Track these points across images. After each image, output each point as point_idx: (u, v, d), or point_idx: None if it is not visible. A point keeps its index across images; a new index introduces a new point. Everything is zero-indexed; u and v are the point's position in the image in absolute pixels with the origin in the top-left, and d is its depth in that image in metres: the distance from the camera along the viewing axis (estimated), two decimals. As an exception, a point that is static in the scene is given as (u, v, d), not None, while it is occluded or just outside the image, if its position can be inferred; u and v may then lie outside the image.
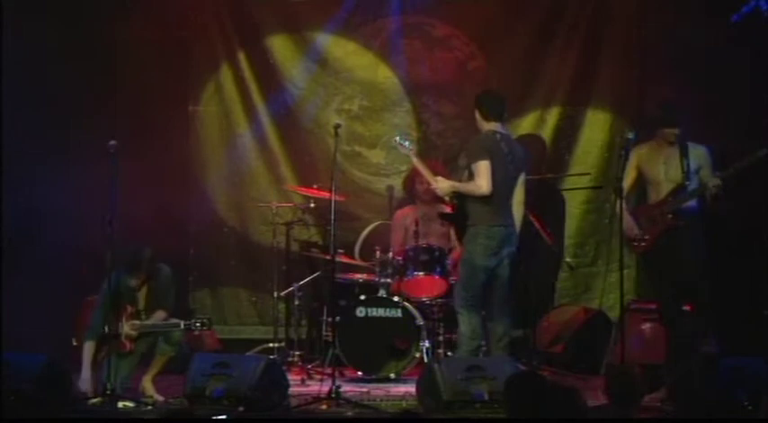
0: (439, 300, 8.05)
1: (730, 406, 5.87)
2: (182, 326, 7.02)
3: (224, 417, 6.01)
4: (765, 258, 7.78)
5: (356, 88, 9.27)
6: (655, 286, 7.47)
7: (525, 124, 9.06)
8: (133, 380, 7.13)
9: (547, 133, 9.12)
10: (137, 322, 7.02)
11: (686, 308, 7.35)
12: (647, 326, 7.77)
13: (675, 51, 8.47)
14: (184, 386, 6.47)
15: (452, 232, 8.52)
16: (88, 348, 7.01)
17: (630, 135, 6.97)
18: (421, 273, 8.02)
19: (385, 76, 9.30)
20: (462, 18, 9.21)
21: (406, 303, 7.90)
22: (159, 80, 8.81)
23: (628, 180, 7.28)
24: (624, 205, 7.03)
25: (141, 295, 7.19)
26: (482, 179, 7.00)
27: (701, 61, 8.22)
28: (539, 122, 9.13)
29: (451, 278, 8.15)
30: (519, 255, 7.35)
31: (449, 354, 7.97)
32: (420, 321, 7.83)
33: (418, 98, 9.30)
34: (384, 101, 9.27)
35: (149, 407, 6.63)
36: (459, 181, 7.35)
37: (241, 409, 6.25)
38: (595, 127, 9.04)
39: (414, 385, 6.71)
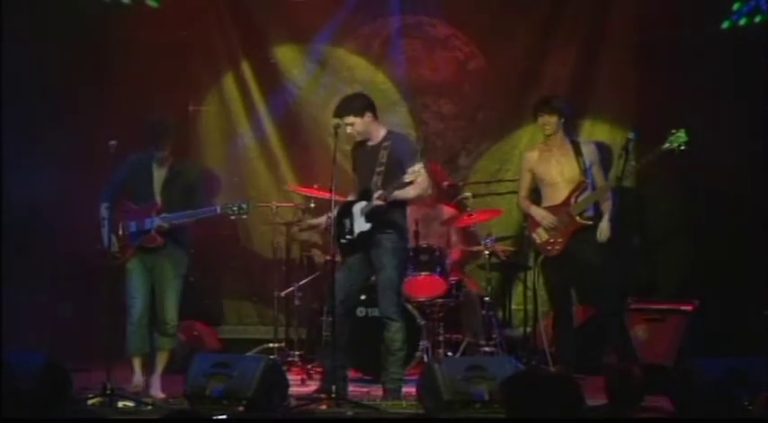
0: (439, 300, 8.04)
1: (730, 406, 5.86)
2: (218, 210, 6.88)
3: (224, 417, 6.00)
4: (765, 258, 7.78)
5: (356, 88, 9.25)
6: (551, 290, 7.51)
7: (525, 136, 9.04)
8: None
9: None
10: (167, 215, 6.89)
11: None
12: (647, 326, 7.76)
13: (675, 53, 8.47)
14: (184, 386, 6.47)
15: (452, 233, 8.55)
16: None
17: (631, 135, 6.96)
18: (421, 273, 8.02)
19: (385, 75, 9.29)
20: (462, 18, 9.21)
21: (406, 303, 7.89)
22: (159, 80, 8.82)
23: (523, 183, 7.45)
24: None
25: (158, 188, 7.00)
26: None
27: (701, 63, 8.22)
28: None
29: (451, 278, 8.15)
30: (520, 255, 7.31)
31: (449, 354, 7.98)
32: (420, 321, 7.82)
33: (418, 98, 9.29)
34: (384, 101, 9.22)
35: (149, 407, 6.62)
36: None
37: (241, 409, 6.25)
38: (594, 133, 9.04)
39: (414, 385, 6.70)
